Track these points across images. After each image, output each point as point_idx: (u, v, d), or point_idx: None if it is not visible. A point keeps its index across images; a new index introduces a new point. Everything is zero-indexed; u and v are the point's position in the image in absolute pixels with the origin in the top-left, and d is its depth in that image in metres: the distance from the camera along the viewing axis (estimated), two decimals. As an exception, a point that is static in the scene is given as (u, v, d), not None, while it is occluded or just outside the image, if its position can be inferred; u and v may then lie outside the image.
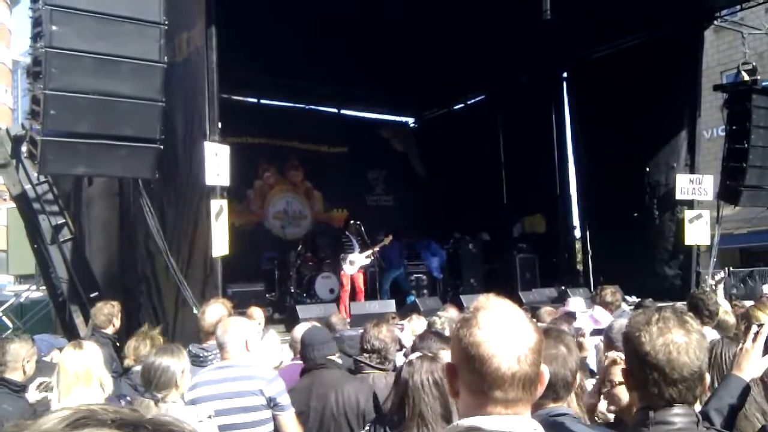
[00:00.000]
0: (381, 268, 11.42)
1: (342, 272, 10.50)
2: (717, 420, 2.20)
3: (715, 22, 10.95)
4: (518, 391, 1.33)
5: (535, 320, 1.48)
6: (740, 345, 2.41)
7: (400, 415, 2.77)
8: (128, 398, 4.22)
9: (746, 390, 2.30)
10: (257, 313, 6.29)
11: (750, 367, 2.33)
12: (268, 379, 3.60)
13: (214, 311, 4.53)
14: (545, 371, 1.40)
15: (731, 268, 12.20)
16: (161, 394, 3.11)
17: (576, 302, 6.47)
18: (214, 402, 3.43)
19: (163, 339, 5.01)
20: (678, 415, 1.74)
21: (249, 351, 3.74)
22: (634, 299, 8.27)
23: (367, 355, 4.05)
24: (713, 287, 7.94)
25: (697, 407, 1.94)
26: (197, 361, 4.18)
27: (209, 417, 3.12)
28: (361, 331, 4.36)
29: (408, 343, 5.18)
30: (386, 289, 11.57)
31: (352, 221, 10.98)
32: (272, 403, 3.55)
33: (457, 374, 1.40)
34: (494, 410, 1.33)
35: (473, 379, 1.35)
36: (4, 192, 13.49)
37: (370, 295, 10.81)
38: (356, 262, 10.49)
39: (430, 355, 2.95)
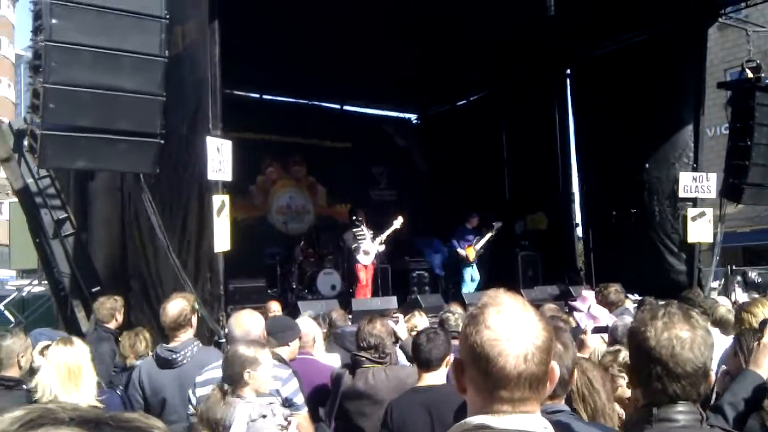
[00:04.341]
0: (461, 260, 11.70)
1: (357, 266, 10.41)
2: (731, 415, 2.16)
3: (720, 20, 10.88)
4: (524, 390, 1.29)
5: (544, 317, 1.45)
6: (758, 341, 2.37)
7: None
8: (120, 388, 4.20)
9: (762, 386, 2.26)
10: (275, 306, 6.25)
11: None
12: (283, 378, 3.52)
13: (176, 306, 4.11)
14: (555, 368, 1.36)
15: (734, 266, 12.17)
16: (230, 387, 3.07)
17: (591, 296, 6.34)
18: None
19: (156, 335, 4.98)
20: (681, 413, 1.71)
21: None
22: (636, 297, 8.22)
23: (364, 352, 4.07)
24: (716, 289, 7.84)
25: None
26: (166, 364, 3.94)
27: (263, 417, 2.96)
28: (356, 328, 4.38)
29: (403, 335, 5.19)
30: (467, 281, 11.69)
31: (359, 210, 10.96)
32: (288, 403, 3.47)
33: (465, 370, 1.37)
34: (501, 409, 1.29)
35: (479, 377, 1.31)
36: (6, 186, 13.47)
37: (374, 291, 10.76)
38: (371, 251, 10.43)
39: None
